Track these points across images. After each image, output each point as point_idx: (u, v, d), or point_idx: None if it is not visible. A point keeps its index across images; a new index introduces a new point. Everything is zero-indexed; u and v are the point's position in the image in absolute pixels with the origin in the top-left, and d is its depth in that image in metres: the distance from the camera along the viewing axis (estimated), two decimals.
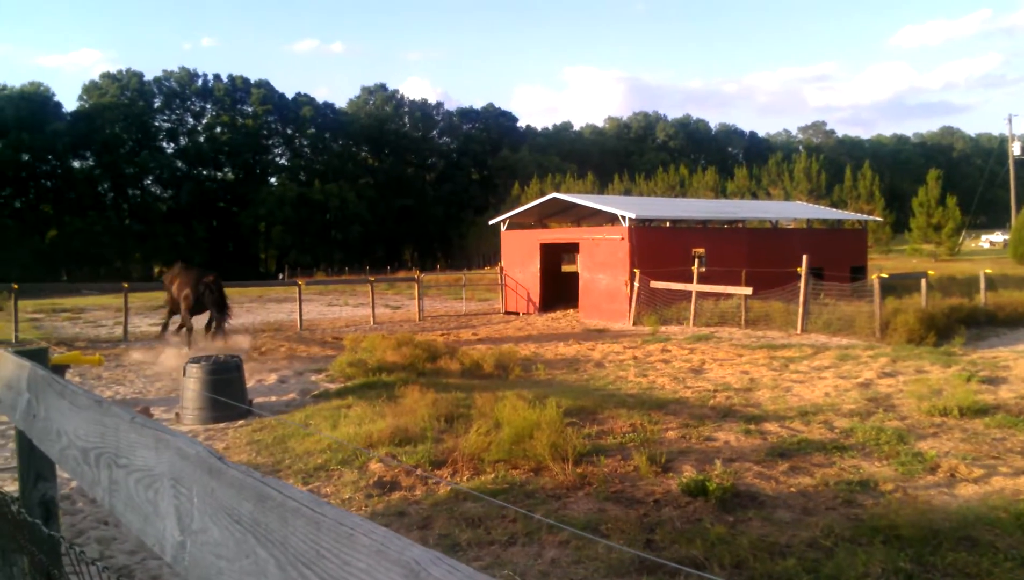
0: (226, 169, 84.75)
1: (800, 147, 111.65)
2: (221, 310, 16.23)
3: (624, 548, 4.86)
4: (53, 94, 72.88)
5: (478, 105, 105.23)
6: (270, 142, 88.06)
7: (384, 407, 9.48)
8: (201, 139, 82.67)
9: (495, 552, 5.17)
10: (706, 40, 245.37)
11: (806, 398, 10.22)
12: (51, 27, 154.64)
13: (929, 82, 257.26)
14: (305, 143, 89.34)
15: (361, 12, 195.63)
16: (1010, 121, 56.35)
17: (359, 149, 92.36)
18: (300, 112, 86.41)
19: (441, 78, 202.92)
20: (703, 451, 7.56)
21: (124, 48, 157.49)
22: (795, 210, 34.73)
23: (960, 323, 16.22)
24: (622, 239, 22.83)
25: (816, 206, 40.75)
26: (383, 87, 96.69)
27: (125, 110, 74.90)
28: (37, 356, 2.97)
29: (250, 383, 12.18)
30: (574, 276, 26.81)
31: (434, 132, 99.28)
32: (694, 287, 20.34)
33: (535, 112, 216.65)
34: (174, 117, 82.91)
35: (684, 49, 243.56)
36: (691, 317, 20.07)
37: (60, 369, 10.62)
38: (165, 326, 17.55)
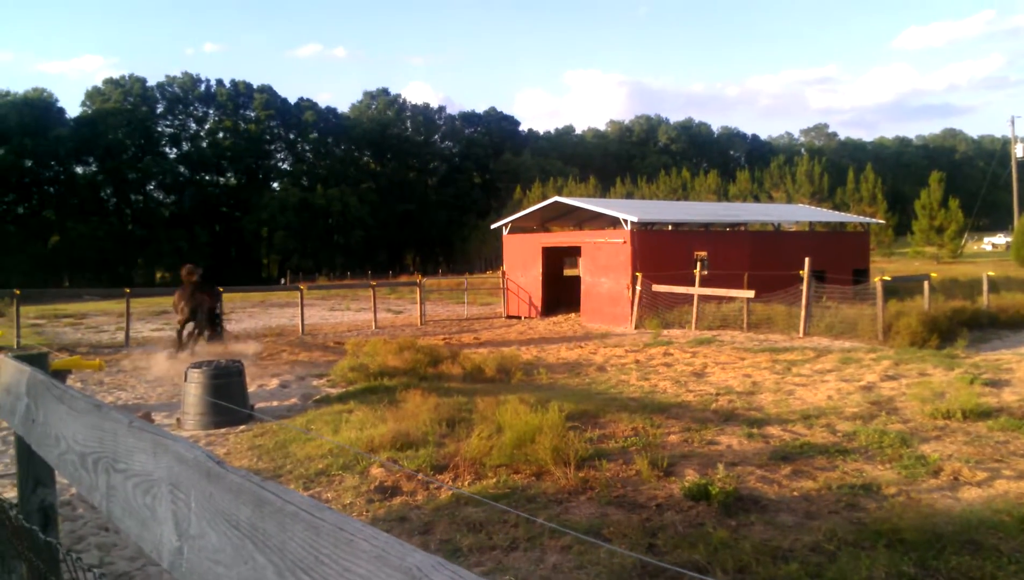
0: (228, 174, 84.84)
1: (802, 150, 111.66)
2: (212, 326, 16.27)
3: (626, 553, 4.85)
4: (56, 100, 73.08)
5: (480, 109, 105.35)
6: (272, 147, 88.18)
7: (386, 412, 9.47)
8: (204, 144, 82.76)
9: (497, 557, 5.16)
10: (708, 43, 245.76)
11: (809, 401, 10.20)
12: (54, 33, 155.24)
13: (932, 84, 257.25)
14: (307, 148, 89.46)
15: (364, 17, 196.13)
16: (1013, 123, 56.29)
17: (361, 154, 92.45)
18: (302, 117, 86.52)
19: (443, 82, 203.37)
20: (705, 455, 7.54)
21: (127, 54, 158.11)
22: (797, 213, 34.72)
23: (963, 326, 16.17)
24: (624, 243, 22.82)
25: (818, 209, 40.75)
26: (385, 91, 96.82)
27: (128, 115, 75.01)
28: (37, 361, 2.96)
29: (252, 388, 12.19)
30: (576, 280, 26.79)
31: (436, 136, 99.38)
32: (696, 290, 20.31)
33: (537, 116, 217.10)
34: (177, 122, 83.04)
35: (686, 52, 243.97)
36: (693, 321, 20.04)
37: (61, 374, 10.64)
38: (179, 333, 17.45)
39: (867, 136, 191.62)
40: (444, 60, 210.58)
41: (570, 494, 6.43)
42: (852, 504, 5.97)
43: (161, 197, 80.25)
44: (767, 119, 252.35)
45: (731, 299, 20.08)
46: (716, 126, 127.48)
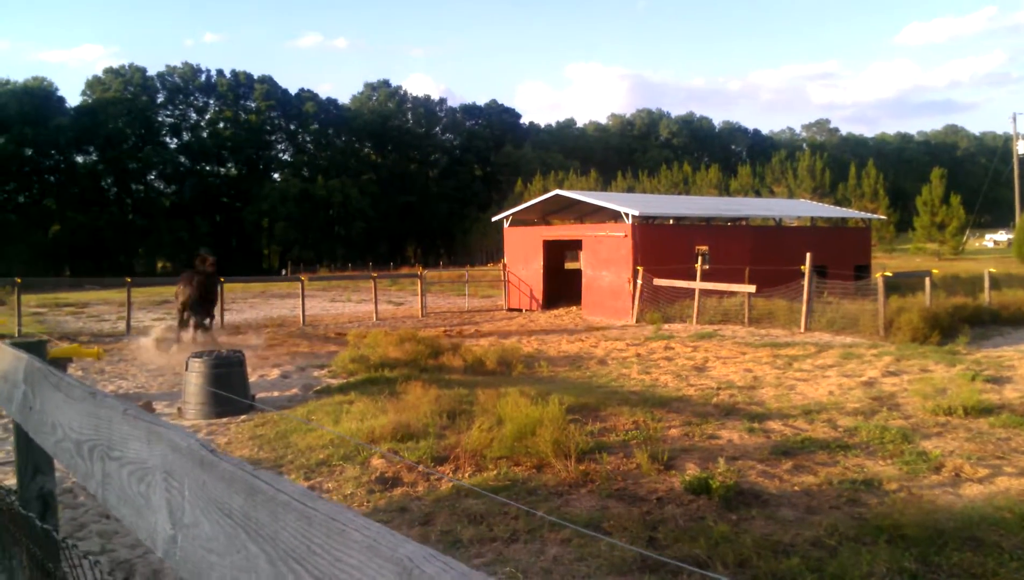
0: (229, 165, 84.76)
1: (804, 145, 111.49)
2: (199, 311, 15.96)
3: (627, 546, 4.83)
4: (56, 89, 72.93)
5: (481, 102, 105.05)
6: (273, 138, 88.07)
7: (386, 403, 9.46)
8: (204, 134, 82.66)
9: (497, 549, 5.14)
10: (709, 37, 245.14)
11: (810, 396, 10.18)
12: (54, 22, 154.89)
13: (934, 80, 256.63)
14: (308, 139, 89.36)
15: (365, 7, 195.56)
16: (1015, 120, 56.12)
17: (362, 145, 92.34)
18: (303, 108, 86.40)
19: (444, 74, 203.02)
20: (706, 449, 7.52)
21: (127, 43, 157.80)
22: (799, 208, 34.65)
23: (964, 322, 16.15)
24: (625, 236, 22.78)
25: (820, 204, 40.68)
26: (386, 83, 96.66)
27: (128, 105, 74.90)
28: (35, 349, 2.94)
29: (253, 378, 12.17)
30: (577, 273, 26.77)
31: (437, 128, 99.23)
32: (697, 285, 20.29)
33: (538, 109, 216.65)
34: (177, 112, 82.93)
35: (687, 46, 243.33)
36: (694, 315, 20.02)
37: (61, 363, 10.62)
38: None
39: (869, 132, 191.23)
40: (445, 52, 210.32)
41: (571, 487, 6.41)
42: (853, 499, 5.95)
43: (162, 187, 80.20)
44: (769, 114, 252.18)
45: (732, 294, 20.05)
46: (718, 120, 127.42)
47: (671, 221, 26.81)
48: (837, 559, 4.72)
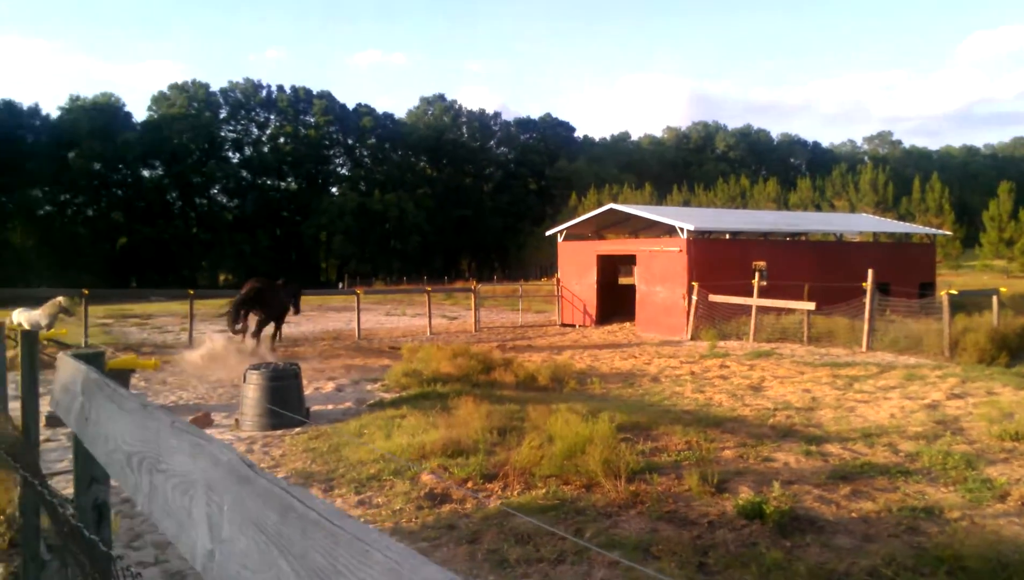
0: (289, 179, 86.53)
1: (865, 158, 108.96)
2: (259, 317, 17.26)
3: (676, 571, 4.75)
4: (124, 105, 75.55)
5: (536, 115, 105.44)
6: (331, 152, 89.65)
7: (437, 418, 9.50)
8: (265, 149, 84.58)
9: (543, 570, 5.10)
10: (769, 49, 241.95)
11: (870, 419, 9.89)
12: (123, 38, 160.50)
13: (1000, 91, 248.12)
14: (365, 153, 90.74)
15: (423, 24, 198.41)
16: None
17: (418, 159, 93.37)
18: (360, 122, 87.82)
19: (499, 88, 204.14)
20: (761, 472, 7.36)
21: (193, 59, 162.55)
22: (860, 223, 33.87)
23: None
24: (680, 251, 22.55)
25: (882, 219, 39.70)
26: (441, 97, 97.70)
27: (192, 120, 77.12)
28: (94, 360, 3.02)
29: (308, 391, 12.35)
30: (631, 289, 26.58)
31: (492, 142, 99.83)
32: (754, 301, 19.95)
33: (593, 122, 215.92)
34: (239, 127, 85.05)
35: (746, 58, 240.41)
36: (751, 332, 19.69)
37: (124, 374, 10.93)
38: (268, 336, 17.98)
39: (933, 145, 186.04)
40: (501, 66, 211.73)
41: (620, 508, 6.34)
42: (913, 528, 5.75)
43: (224, 201, 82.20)
44: (829, 126, 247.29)
45: (791, 311, 19.67)
46: (776, 133, 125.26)
47: (727, 236, 26.46)
48: None
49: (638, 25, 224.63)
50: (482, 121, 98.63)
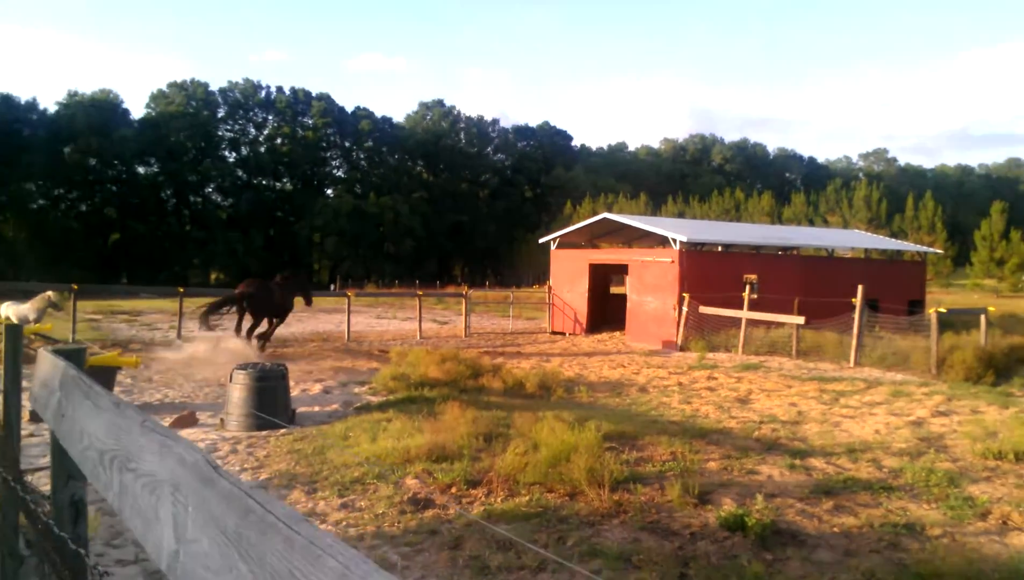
0: (285, 180, 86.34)
1: (860, 174, 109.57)
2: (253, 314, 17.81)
3: None
4: (122, 101, 75.23)
5: (534, 123, 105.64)
6: (328, 154, 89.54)
7: (424, 423, 9.49)
8: (262, 149, 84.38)
9: (524, 578, 5.10)
10: (766, 65, 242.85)
11: (855, 434, 9.93)
12: (122, 35, 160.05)
13: (996, 111, 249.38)
14: (362, 156, 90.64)
15: (424, 29, 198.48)
16: None
17: (414, 163, 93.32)
18: (359, 125, 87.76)
19: (498, 95, 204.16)
20: (745, 484, 7.38)
21: (193, 57, 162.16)
22: (852, 239, 34.00)
23: (1020, 363, 15.63)
24: (672, 262, 22.60)
25: (874, 235, 39.87)
26: (440, 103, 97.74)
27: (190, 119, 76.91)
28: (74, 356, 3.01)
29: (295, 392, 12.32)
30: (622, 298, 26.61)
31: (489, 149, 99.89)
32: (744, 314, 20.01)
33: (591, 132, 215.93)
34: (237, 127, 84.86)
35: (745, 72, 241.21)
36: (740, 345, 19.73)
37: (110, 371, 10.87)
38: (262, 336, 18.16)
39: (928, 163, 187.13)
40: (500, 73, 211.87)
41: (603, 517, 6.34)
42: (894, 544, 5.77)
43: (219, 200, 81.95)
44: (825, 142, 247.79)
45: (780, 324, 19.72)
46: (772, 147, 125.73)
47: (720, 248, 26.52)
48: None
49: (639, 37, 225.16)
50: (480, 127, 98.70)
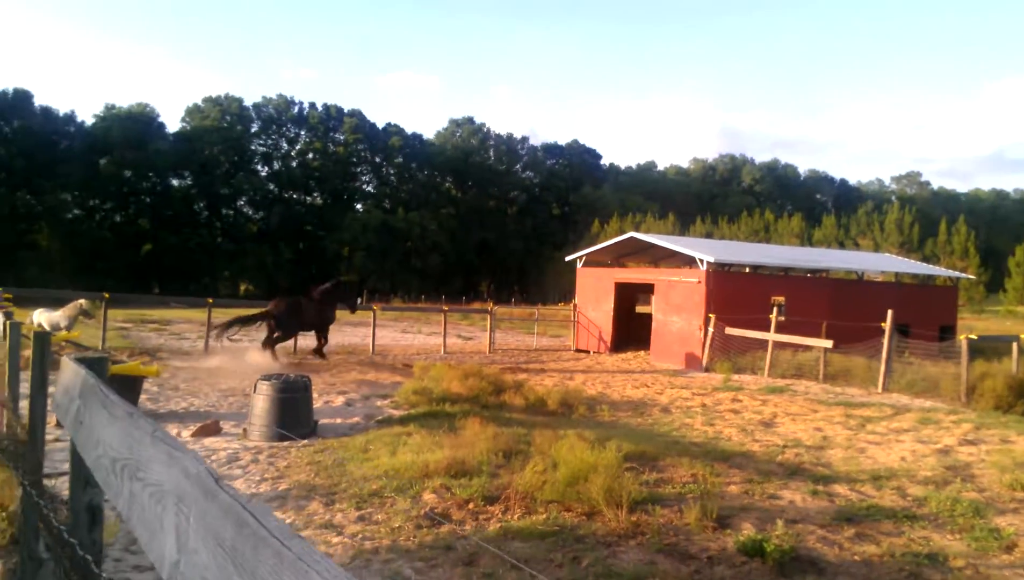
0: (315, 194, 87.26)
1: (893, 197, 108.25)
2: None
3: None
4: (158, 115, 76.69)
5: (563, 141, 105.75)
6: (358, 169, 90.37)
7: (444, 438, 9.50)
8: (294, 164, 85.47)
9: None
10: (799, 84, 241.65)
11: (880, 461, 9.77)
12: (160, 50, 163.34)
13: None
14: (392, 172, 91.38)
15: (457, 47, 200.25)
16: None
17: (443, 180, 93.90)
18: (389, 142, 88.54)
19: (528, 113, 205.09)
20: (765, 509, 7.29)
21: (227, 74, 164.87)
22: (883, 262, 33.61)
23: None
24: (699, 282, 22.48)
25: (906, 259, 39.38)
26: (470, 120, 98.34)
27: (224, 133, 78.11)
28: (96, 365, 3.07)
29: (318, 404, 12.41)
30: (647, 317, 26.51)
31: (518, 166, 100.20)
32: (771, 336, 19.82)
33: (620, 150, 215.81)
34: (269, 142, 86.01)
35: (776, 92, 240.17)
36: (766, 367, 19.54)
37: (135, 380, 11.00)
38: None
39: (962, 187, 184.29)
40: (531, 91, 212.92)
41: (620, 537, 6.30)
42: (915, 574, 5.67)
43: (250, 213, 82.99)
44: (857, 164, 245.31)
45: (808, 348, 19.51)
46: (803, 168, 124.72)
47: (747, 269, 26.35)
48: None
49: (670, 57, 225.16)
50: (509, 145, 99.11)
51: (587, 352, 26.31)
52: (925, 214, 79.25)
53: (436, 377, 14.79)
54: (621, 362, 23.55)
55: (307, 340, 21.47)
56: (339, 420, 11.70)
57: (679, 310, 23.19)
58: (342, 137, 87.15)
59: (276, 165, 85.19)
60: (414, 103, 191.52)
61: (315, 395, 12.40)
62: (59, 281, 55.95)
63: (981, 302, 57.78)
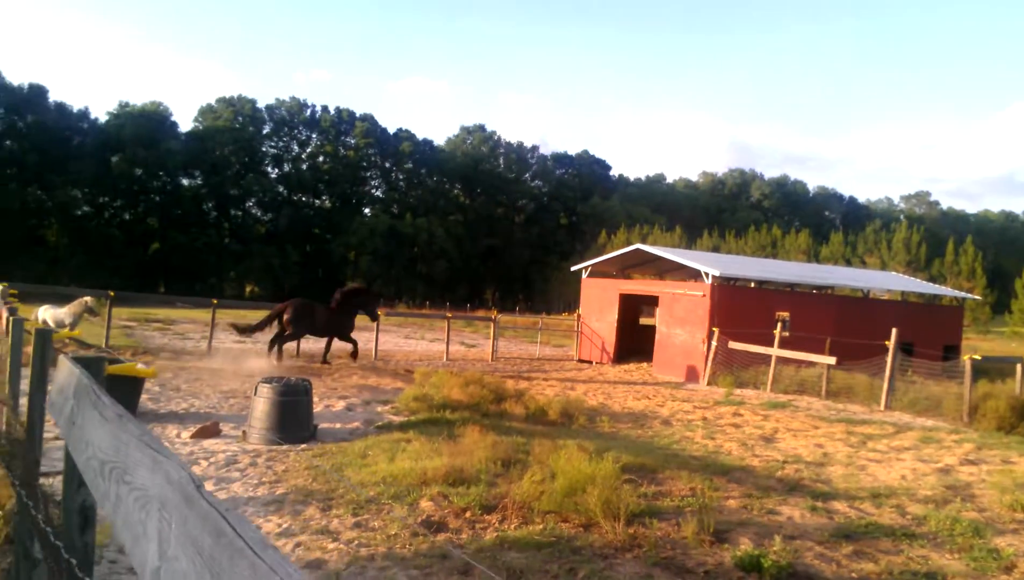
0: (324, 197, 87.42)
1: (901, 216, 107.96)
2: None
3: None
4: (170, 114, 76.95)
5: (573, 151, 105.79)
6: (368, 174, 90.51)
7: (443, 445, 9.49)
8: (304, 167, 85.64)
9: None
10: (810, 101, 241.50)
11: (880, 479, 9.72)
12: (175, 50, 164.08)
13: None
14: (401, 177, 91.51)
15: (468, 54, 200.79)
16: None
17: (452, 186, 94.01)
18: (399, 147, 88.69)
19: (539, 122, 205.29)
20: (764, 524, 7.26)
21: (241, 75, 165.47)
22: (889, 281, 33.52)
23: None
24: (703, 296, 22.45)
25: (912, 278, 39.27)
26: (481, 127, 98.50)
27: (236, 134, 78.34)
28: (93, 365, 3.07)
29: (318, 408, 12.41)
30: (651, 329, 26.46)
31: (527, 174, 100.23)
32: (775, 351, 19.76)
33: (629, 162, 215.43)
34: (280, 144, 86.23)
35: (787, 109, 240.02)
36: (769, 382, 19.48)
37: (137, 380, 11.01)
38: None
39: (971, 208, 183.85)
40: (542, 100, 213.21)
41: (617, 550, 6.28)
42: None
43: (259, 214, 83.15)
44: (867, 182, 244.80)
45: (811, 364, 19.45)
46: (812, 185, 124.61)
47: (752, 284, 26.30)
48: None
49: (682, 70, 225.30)
50: (519, 153, 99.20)
51: (590, 362, 26.27)
52: (933, 234, 79.02)
53: (437, 384, 14.79)
54: (623, 373, 23.50)
55: (308, 344, 21.51)
56: (339, 425, 11.70)
57: (683, 323, 23.15)
58: (353, 141, 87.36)
59: (286, 167, 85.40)
60: (426, 109, 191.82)
61: (316, 399, 12.42)
62: (66, 278, 56.16)
63: (987, 323, 57.54)
